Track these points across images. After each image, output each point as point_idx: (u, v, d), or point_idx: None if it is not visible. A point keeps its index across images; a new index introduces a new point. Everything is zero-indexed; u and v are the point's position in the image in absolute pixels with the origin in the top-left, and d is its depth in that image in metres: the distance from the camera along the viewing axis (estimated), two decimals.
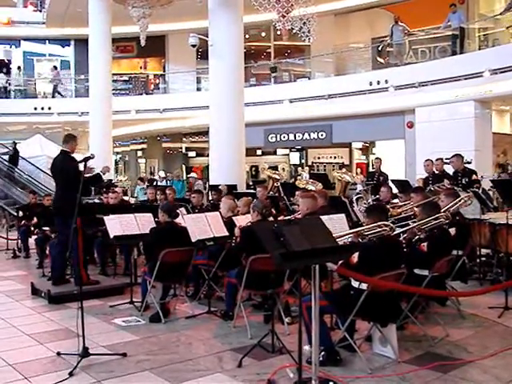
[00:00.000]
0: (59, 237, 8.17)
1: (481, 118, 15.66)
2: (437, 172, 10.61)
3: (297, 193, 8.90)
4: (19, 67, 26.68)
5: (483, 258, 8.80)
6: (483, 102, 15.63)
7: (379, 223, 5.23)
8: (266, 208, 6.43)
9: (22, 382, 4.73)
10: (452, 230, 6.46)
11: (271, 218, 7.07)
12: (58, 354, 5.34)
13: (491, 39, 17.13)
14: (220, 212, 7.51)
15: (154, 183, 17.90)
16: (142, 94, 24.43)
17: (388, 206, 7.99)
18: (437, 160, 10.92)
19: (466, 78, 15.01)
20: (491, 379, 4.74)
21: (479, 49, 16.76)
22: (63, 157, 7.88)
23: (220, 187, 10.87)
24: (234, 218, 7.27)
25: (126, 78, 25.30)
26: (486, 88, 14.82)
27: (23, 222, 11.94)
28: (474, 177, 9.84)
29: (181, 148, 28.40)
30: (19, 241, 11.95)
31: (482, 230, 8.29)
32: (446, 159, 10.67)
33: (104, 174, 7.99)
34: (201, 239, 6.67)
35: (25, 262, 11.28)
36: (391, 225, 5.36)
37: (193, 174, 19.02)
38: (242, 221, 6.95)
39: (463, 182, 9.81)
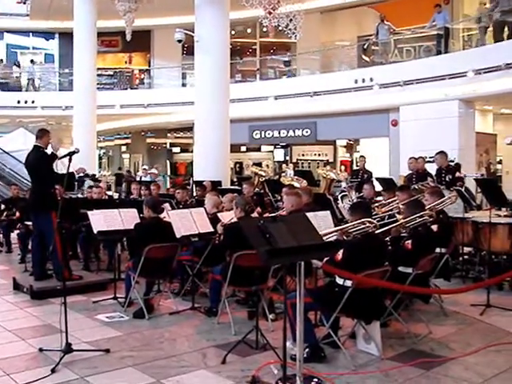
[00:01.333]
0: (34, 231, 8.13)
1: (464, 118, 15.78)
2: (420, 171, 10.70)
3: (283, 190, 8.89)
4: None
5: (466, 256, 8.88)
6: (467, 101, 15.74)
7: (363, 220, 5.25)
8: (248, 204, 6.42)
9: (4, 378, 4.68)
10: (434, 227, 6.51)
11: (256, 215, 7.07)
12: (41, 350, 5.30)
13: (475, 39, 17.24)
14: (205, 208, 7.50)
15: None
16: (126, 89, 24.29)
17: (373, 205, 8.03)
18: (418, 158, 11.01)
19: (450, 78, 15.10)
20: (473, 376, 4.78)
21: (463, 49, 16.88)
22: (36, 152, 7.77)
23: (204, 183, 10.84)
24: (218, 214, 7.25)
25: (111, 73, 25.14)
26: (470, 88, 14.92)
27: (5, 215, 11.83)
28: (457, 174, 9.93)
29: (165, 143, 28.33)
30: (1, 235, 11.84)
31: (464, 229, 8.36)
32: (430, 157, 10.76)
33: (78, 174, 7.92)
34: (185, 235, 6.65)
35: (7, 256, 11.18)
36: (375, 222, 5.39)
37: (145, 166, 18.88)
38: (226, 217, 6.93)
39: (447, 179, 9.90)
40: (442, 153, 10.31)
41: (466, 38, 17.65)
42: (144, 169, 18.95)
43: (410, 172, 10.98)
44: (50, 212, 7.47)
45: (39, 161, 7.67)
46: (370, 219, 5.28)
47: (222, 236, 6.59)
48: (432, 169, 10.70)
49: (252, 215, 6.65)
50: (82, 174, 8.27)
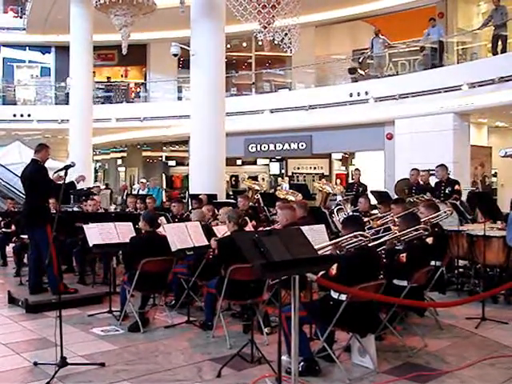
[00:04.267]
0: (31, 245, 8.11)
1: (459, 131, 15.83)
2: (422, 183, 10.74)
3: (277, 204, 8.91)
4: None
5: (461, 269, 8.89)
6: (462, 114, 15.81)
7: (355, 233, 5.27)
8: (241, 218, 6.44)
9: None
10: (429, 240, 6.53)
11: (252, 229, 7.08)
12: (35, 363, 5.28)
13: (469, 53, 17.37)
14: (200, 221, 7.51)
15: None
16: (122, 102, 24.31)
17: (368, 218, 8.05)
18: (424, 171, 11.05)
19: (445, 91, 15.16)
20: None
21: (458, 62, 16.97)
22: (32, 166, 7.81)
23: (200, 197, 10.85)
24: (215, 227, 7.27)
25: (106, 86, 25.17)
26: (465, 101, 15.00)
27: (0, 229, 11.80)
28: (456, 187, 9.98)
29: (161, 157, 28.33)
30: None
31: (459, 242, 8.38)
32: (432, 170, 10.82)
33: (78, 182, 7.94)
34: (181, 249, 6.66)
35: (2, 270, 11.15)
36: (367, 234, 5.40)
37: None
38: (222, 230, 6.95)
39: (446, 191, 9.95)
40: (443, 166, 10.40)
41: (461, 52, 17.73)
42: (142, 182, 18.93)
43: (411, 184, 11.00)
44: (45, 225, 7.49)
45: (35, 174, 7.70)
46: (362, 232, 5.30)
47: (217, 250, 6.59)
48: (432, 182, 10.76)
49: (245, 229, 6.66)
50: (82, 183, 8.27)
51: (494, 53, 15.05)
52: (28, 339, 6.27)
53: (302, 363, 4.92)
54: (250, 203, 10.76)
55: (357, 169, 14.48)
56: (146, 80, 25.99)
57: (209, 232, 7.05)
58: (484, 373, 5.17)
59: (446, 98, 15.24)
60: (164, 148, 27.52)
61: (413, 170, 11.12)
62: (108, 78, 25.71)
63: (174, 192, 24.60)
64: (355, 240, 5.25)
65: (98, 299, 7.99)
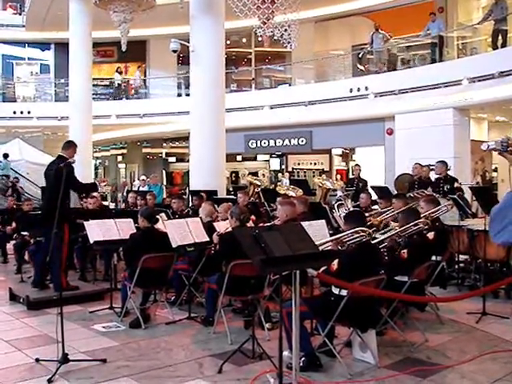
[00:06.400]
0: (44, 244, 8.00)
1: (459, 126, 15.81)
2: (423, 178, 10.73)
3: (277, 199, 8.90)
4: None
5: (461, 264, 8.90)
6: (462, 109, 15.78)
7: (357, 229, 5.27)
8: (243, 214, 6.43)
9: None
10: (430, 234, 6.53)
11: (252, 224, 7.08)
12: (37, 360, 5.29)
13: (469, 48, 17.35)
14: (200, 217, 7.51)
15: None
16: (122, 99, 24.29)
17: (368, 213, 8.04)
18: (424, 166, 11.04)
19: (445, 86, 15.17)
20: None
21: (458, 57, 16.95)
22: (59, 163, 7.71)
23: (200, 193, 10.85)
24: (214, 223, 7.26)
25: (107, 83, 25.12)
26: (465, 96, 14.98)
27: (1, 226, 11.79)
28: (456, 184, 9.96)
29: (161, 153, 28.33)
30: None
31: (460, 237, 8.39)
32: (432, 165, 10.79)
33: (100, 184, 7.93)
34: (181, 245, 6.65)
35: (3, 267, 11.15)
36: (369, 230, 5.40)
37: (143, 177, 18.96)
38: (222, 226, 6.95)
39: (445, 188, 9.92)
40: (443, 162, 10.34)
41: (461, 47, 17.71)
42: (142, 179, 18.93)
43: (413, 179, 10.98)
44: (62, 224, 7.39)
45: (49, 171, 7.67)
46: (363, 228, 5.30)
47: (218, 245, 6.59)
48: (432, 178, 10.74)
49: (247, 224, 6.66)
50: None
51: (494, 47, 15.05)
52: (29, 336, 6.27)
53: (303, 358, 4.93)
54: (252, 199, 10.76)
55: (357, 164, 14.48)
56: (145, 76, 25.98)
57: (210, 229, 7.05)
58: (485, 367, 5.18)
59: (446, 93, 15.24)
60: (164, 144, 27.53)
61: (416, 164, 11.09)
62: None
63: (175, 188, 24.59)
64: (357, 236, 5.25)
65: (99, 296, 8.00)
